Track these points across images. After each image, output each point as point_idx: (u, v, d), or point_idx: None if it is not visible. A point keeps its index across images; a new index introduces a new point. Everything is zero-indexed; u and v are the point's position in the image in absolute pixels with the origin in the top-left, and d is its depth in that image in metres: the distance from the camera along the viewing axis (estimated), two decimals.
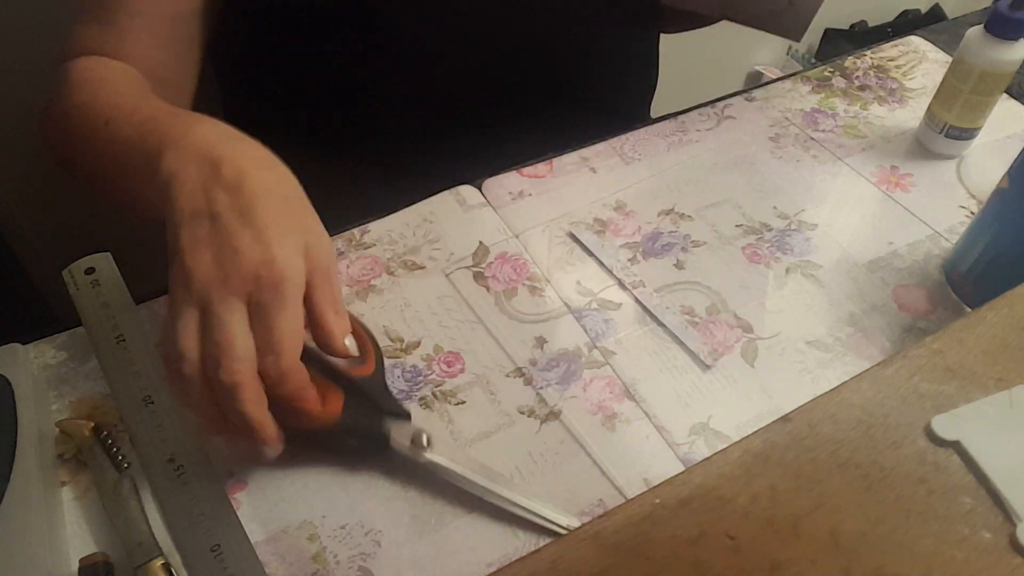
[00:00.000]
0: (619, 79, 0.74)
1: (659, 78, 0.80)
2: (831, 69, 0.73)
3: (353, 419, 0.43)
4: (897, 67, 0.73)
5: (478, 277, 0.55)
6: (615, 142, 0.65)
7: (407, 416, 0.45)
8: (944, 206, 0.61)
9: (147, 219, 0.44)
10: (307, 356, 0.47)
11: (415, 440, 0.44)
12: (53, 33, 0.79)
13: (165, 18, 0.55)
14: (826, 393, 0.37)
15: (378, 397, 0.45)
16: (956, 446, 0.35)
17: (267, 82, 0.59)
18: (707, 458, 0.35)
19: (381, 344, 0.50)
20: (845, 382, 0.37)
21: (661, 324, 0.52)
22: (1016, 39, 0.57)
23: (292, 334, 0.38)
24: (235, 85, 0.67)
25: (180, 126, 0.42)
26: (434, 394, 0.48)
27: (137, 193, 0.44)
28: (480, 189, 0.60)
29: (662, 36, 0.78)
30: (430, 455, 0.43)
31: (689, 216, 0.59)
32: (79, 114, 0.49)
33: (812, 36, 1.60)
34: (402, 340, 0.51)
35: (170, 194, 0.39)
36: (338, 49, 0.60)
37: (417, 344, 0.50)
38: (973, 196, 0.61)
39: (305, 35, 0.61)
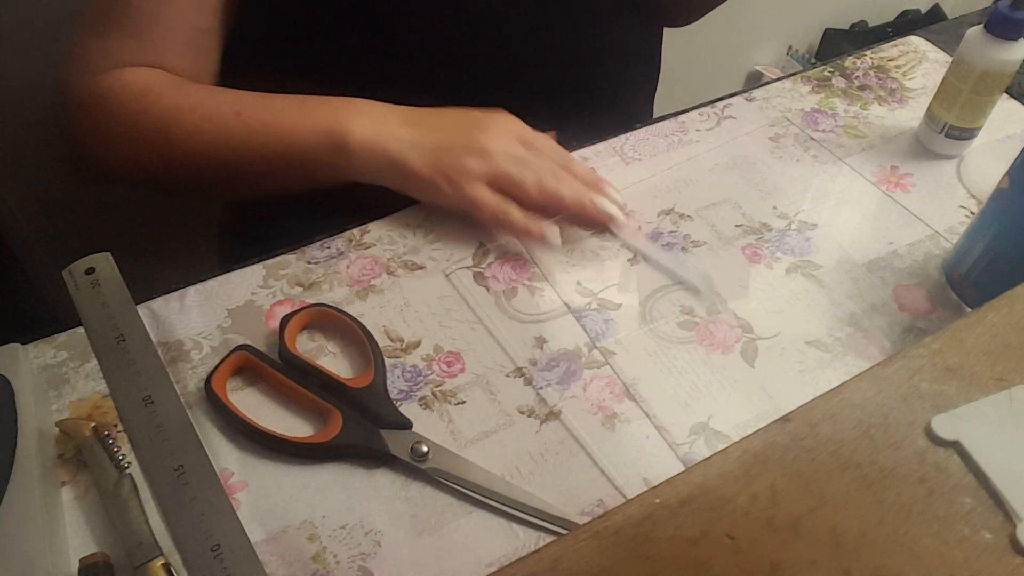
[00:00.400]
0: (620, 79, 0.74)
1: (659, 78, 0.80)
2: (831, 69, 0.73)
3: (351, 438, 0.44)
4: (897, 67, 0.73)
5: (478, 277, 0.55)
6: (615, 142, 0.65)
7: (407, 425, 0.46)
8: (944, 206, 0.61)
9: (288, 187, 0.57)
10: (306, 373, 0.47)
11: (414, 450, 0.44)
12: (54, 36, 0.79)
13: (197, 31, 0.57)
14: (826, 393, 0.37)
15: (377, 408, 0.46)
16: (956, 446, 0.35)
17: (270, 83, 0.60)
18: (707, 458, 0.35)
19: (381, 344, 0.50)
20: (845, 382, 0.37)
21: (651, 259, 0.55)
22: (1016, 39, 0.57)
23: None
24: (240, 86, 0.68)
25: (335, 102, 0.55)
26: (434, 394, 0.48)
27: (301, 164, 0.54)
28: None
29: (664, 35, 0.78)
30: (429, 464, 0.44)
31: (689, 216, 0.59)
32: (185, 115, 0.54)
33: (812, 36, 1.60)
34: (402, 340, 0.51)
35: (392, 149, 0.53)
36: (337, 49, 0.60)
37: (417, 344, 0.50)
38: (973, 196, 0.61)
39: (306, 36, 0.61)
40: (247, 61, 0.63)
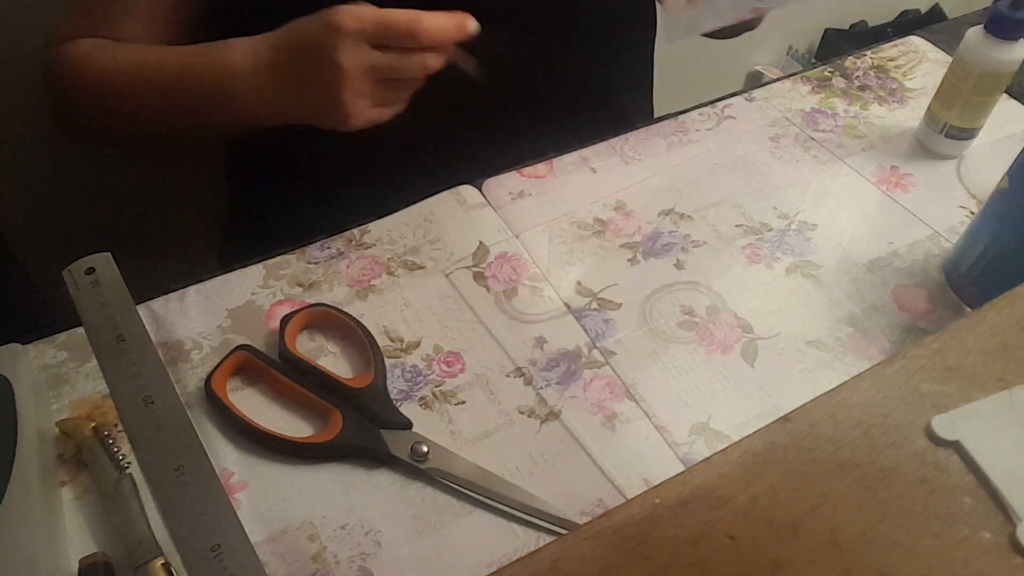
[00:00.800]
0: (620, 80, 0.74)
1: (659, 78, 0.80)
2: (831, 69, 0.73)
3: (351, 438, 0.44)
4: (897, 67, 0.73)
5: (478, 277, 0.54)
6: (615, 142, 0.65)
7: (407, 425, 0.46)
8: (944, 206, 0.61)
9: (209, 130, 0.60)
10: (306, 373, 0.47)
11: (414, 450, 0.44)
12: None
13: (162, 21, 0.60)
14: (826, 393, 0.37)
15: (377, 408, 0.46)
16: (956, 446, 0.35)
17: None
18: (707, 458, 0.35)
19: (381, 344, 0.50)
20: (845, 382, 0.37)
21: None
22: (1016, 39, 0.57)
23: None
24: None
25: (229, 44, 0.54)
26: (434, 394, 0.48)
27: (212, 107, 0.55)
28: (480, 189, 0.60)
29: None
30: (429, 464, 0.44)
31: (689, 216, 0.59)
32: (116, 78, 0.57)
33: (812, 36, 1.60)
34: (402, 340, 0.51)
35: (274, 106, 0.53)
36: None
37: (417, 344, 0.50)
38: (973, 196, 0.61)
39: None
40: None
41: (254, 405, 0.47)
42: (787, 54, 1.60)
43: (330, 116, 0.51)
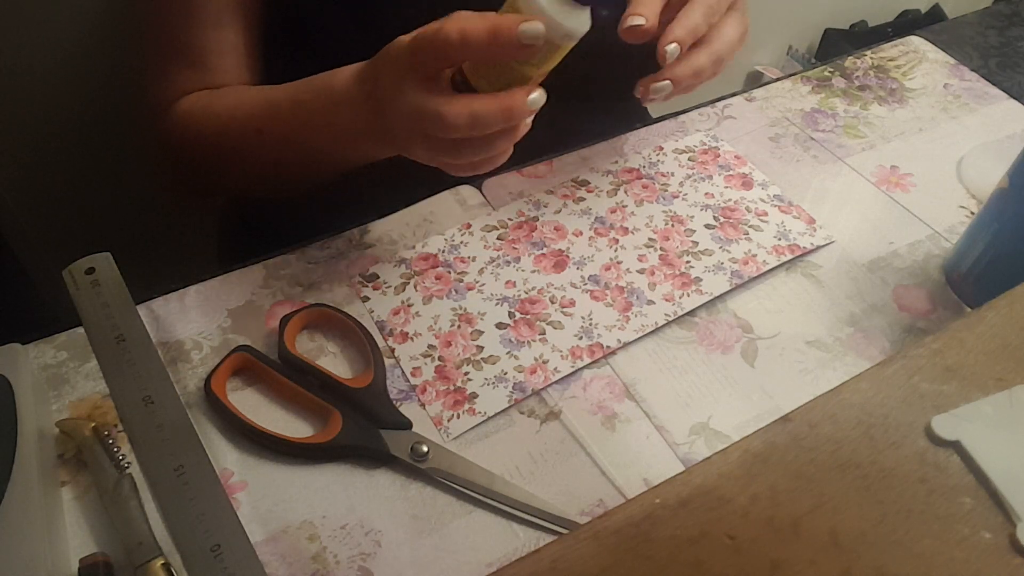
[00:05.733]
0: (621, 80, 0.74)
1: None
2: (831, 69, 0.73)
3: (351, 438, 0.44)
4: (897, 67, 0.73)
5: None
6: (615, 142, 0.65)
7: (407, 426, 0.46)
8: (944, 206, 0.61)
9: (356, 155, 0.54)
10: (306, 373, 0.47)
11: (414, 450, 0.44)
12: (53, 36, 0.79)
13: (243, 51, 0.60)
14: (826, 393, 0.37)
15: (377, 408, 0.46)
16: (956, 446, 0.35)
17: (268, 83, 0.60)
18: (707, 458, 0.35)
19: (380, 344, 0.50)
20: (845, 382, 0.37)
21: None
22: None
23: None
24: None
25: (334, 74, 0.51)
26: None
27: (325, 140, 0.53)
28: (480, 189, 0.60)
29: None
30: (429, 464, 0.44)
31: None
32: (239, 124, 0.56)
33: (812, 36, 1.60)
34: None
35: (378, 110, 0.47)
36: (339, 48, 0.60)
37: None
38: (973, 196, 0.61)
39: (305, 36, 0.61)
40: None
41: (254, 405, 0.47)
42: (787, 54, 1.60)
43: (407, 152, 0.49)
